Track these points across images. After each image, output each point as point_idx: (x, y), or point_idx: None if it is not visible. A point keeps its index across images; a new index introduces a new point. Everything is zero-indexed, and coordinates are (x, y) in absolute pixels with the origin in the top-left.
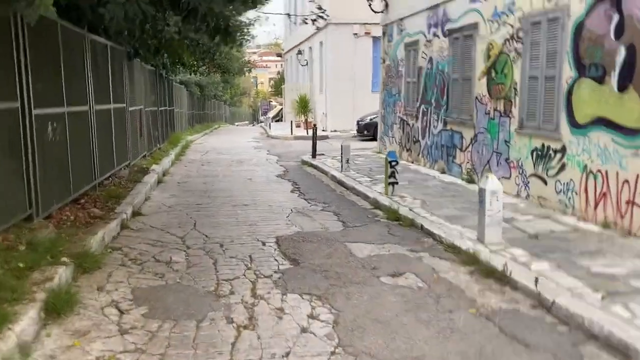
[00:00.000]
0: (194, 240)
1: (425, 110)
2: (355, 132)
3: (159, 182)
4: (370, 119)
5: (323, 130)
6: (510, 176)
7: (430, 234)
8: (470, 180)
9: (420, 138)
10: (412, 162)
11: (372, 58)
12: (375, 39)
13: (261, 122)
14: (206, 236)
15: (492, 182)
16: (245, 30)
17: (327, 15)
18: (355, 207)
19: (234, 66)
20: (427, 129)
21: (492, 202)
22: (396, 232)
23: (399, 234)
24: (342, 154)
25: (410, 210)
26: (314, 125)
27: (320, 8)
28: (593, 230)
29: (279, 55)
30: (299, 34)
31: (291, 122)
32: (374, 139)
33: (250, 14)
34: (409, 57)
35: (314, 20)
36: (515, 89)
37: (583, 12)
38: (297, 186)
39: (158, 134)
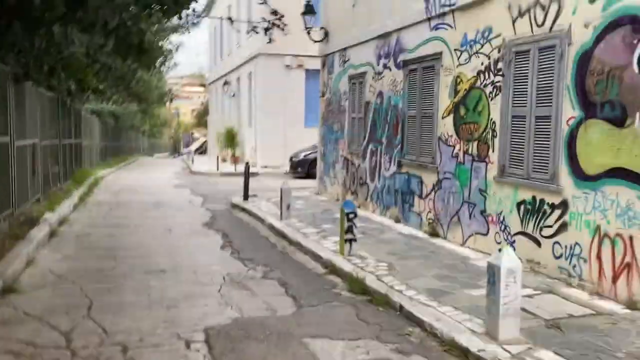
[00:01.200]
0: (84, 340)
1: (374, 149)
2: (288, 168)
3: (53, 234)
4: (305, 155)
5: (252, 166)
6: (487, 232)
7: (415, 321)
8: (434, 233)
9: (368, 180)
10: (359, 207)
11: (304, 91)
12: (309, 72)
13: (182, 154)
14: (104, 331)
15: (508, 258)
16: (166, 53)
17: (284, 25)
18: (305, 273)
19: (152, 95)
20: (377, 171)
21: (509, 285)
22: (368, 316)
23: (373, 320)
24: (281, 198)
25: (378, 279)
26: (247, 163)
27: (275, 13)
28: (619, 313)
29: (202, 85)
30: (226, 64)
31: (217, 156)
32: (308, 176)
33: (173, 38)
34: (354, 91)
35: (267, 30)
36: (493, 130)
37: (590, 39)
38: (228, 240)
39: (59, 172)
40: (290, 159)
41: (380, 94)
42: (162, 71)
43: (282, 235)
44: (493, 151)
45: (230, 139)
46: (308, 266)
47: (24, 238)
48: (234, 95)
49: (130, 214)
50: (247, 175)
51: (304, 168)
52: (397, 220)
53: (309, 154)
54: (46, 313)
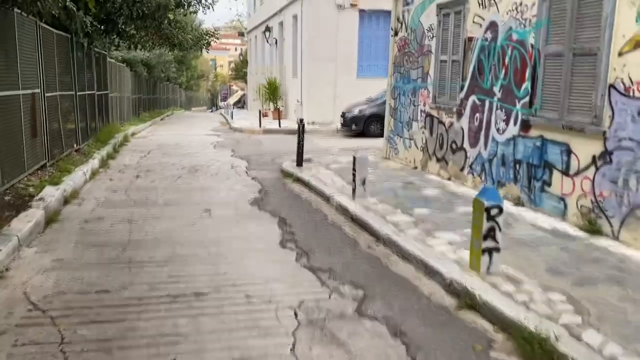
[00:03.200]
0: None
1: (478, 103)
2: (340, 125)
3: (50, 221)
4: (360, 111)
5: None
6: None
7: None
8: (593, 230)
9: (466, 145)
10: (450, 179)
11: (358, 36)
12: (364, 13)
13: (220, 108)
14: None
15: None
16: None
17: None
18: (424, 306)
19: (187, 38)
20: (484, 133)
21: None
22: None
23: None
24: (355, 170)
25: (575, 339)
26: (300, 120)
27: None
28: None
29: (241, 34)
30: (266, 8)
31: (259, 111)
32: (364, 135)
33: None
34: (446, 24)
35: None
36: None
37: None
38: (289, 230)
39: (78, 129)
40: (343, 115)
41: (493, 26)
42: (195, 10)
43: (361, 224)
44: None
45: (273, 91)
46: (422, 289)
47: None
48: (276, 43)
49: (160, 184)
50: (301, 135)
51: (359, 125)
52: (518, 203)
53: (365, 108)
54: None
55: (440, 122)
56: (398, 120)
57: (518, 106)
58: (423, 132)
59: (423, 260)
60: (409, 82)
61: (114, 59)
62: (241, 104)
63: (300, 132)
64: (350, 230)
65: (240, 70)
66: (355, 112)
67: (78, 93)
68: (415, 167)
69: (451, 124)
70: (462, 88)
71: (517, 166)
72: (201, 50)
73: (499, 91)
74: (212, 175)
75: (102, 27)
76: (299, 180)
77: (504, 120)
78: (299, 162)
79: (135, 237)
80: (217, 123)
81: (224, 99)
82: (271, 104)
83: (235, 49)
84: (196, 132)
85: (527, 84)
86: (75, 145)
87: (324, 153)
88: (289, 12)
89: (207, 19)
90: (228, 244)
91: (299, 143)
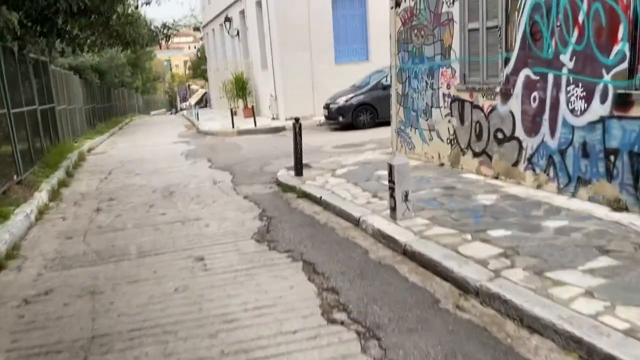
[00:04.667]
0: None
1: (536, 78)
2: (324, 118)
3: None
4: (347, 100)
5: (273, 118)
6: None
7: None
8: None
9: (520, 133)
10: (497, 178)
11: (332, 18)
12: None
13: (182, 109)
14: None
15: None
16: None
17: None
18: None
19: (142, 34)
20: (548, 116)
21: None
22: None
23: None
24: (394, 183)
25: None
26: (296, 120)
27: None
28: None
29: (196, 29)
30: None
31: (230, 110)
32: (352, 126)
33: None
34: None
35: None
36: None
37: None
38: (325, 285)
39: (17, 155)
40: (327, 106)
41: None
42: (148, 0)
43: (426, 263)
44: None
45: (241, 87)
46: None
47: None
48: (238, 34)
49: (129, 219)
50: (298, 138)
51: (346, 116)
52: (618, 207)
53: (352, 97)
54: None
55: (476, 106)
56: (410, 108)
57: (607, 77)
58: (449, 121)
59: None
60: (422, 61)
61: (59, 66)
62: (204, 103)
63: (297, 134)
64: (414, 274)
65: (198, 68)
66: (341, 102)
67: (13, 110)
68: (442, 164)
69: (493, 108)
70: (506, 61)
71: (612, 157)
72: (161, 46)
73: (571, 60)
74: (193, 198)
75: (37, 27)
76: (306, 195)
77: (582, 98)
78: (298, 170)
79: (102, 326)
80: (182, 127)
81: (184, 99)
82: (240, 101)
83: (189, 47)
84: (161, 141)
85: (621, 46)
86: (15, 177)
87: (318, 153)
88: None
89: (157, 17)
90: (246, 329)
91: (296, 147)
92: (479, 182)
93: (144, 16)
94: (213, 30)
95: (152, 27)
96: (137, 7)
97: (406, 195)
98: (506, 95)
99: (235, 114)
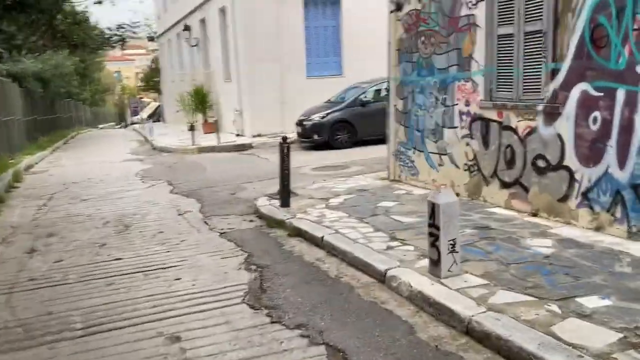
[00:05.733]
0: None
1: (598, 95)
2: (296, 136)
3: None
4: (322, 116)
5: (237, 135)
6: None
7: None
8: None
9: (571, 161)
10: (535, 215)
11: (304, 28)
12: (308, 1)
13: (134, 123)
14: None
15: None
16: None
17: None
18: None
19: (92, 35)
20: (616, 142)
21: None
22: None
23: None
24: (438, 228)
25: None
26: (283, 139)
27: None
28: None
29: (150, 39)
30: (182, 5)
31: (191, 125)
32: (328, 145)
33: None
34: None
35: None
36: None
37: None
38: None
39: None
40: (300, 123)
41: None
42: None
43: (515, 357)
44: None
45: (201, 100)
46: None
47: None
48: (197, 45)
49: (72, 269)
50: (286, 160)
51: (322, 135)
52: None
53: (329, 113)
54: None
55: (506, 127)
56: (413, 128)
57: None
58: (468, 144)
59: None
60: (431, 73)
61: None
62: (156, 116)
63: (285, 155)
64: None
65: (150, 80)
66: (316, 118)
67: None
68: (457, 195)
69: (531, 130)
70: (553, 74)
71: None
72: (115, 48)
73: None
74: (155, 234)
75: None
76: (300, 234)
77: None
78: (285, 200)
79: None
80: (135, 142)
81: (135, 112)
82: (200, 115)
83: (140, 59)
84: (112, 158)
85: None
86: None
87: (298, 177)
88: (213, 5)
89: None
90: None
91: (283, 172)
92: (515, 220)
93: (94, 17)
94: (169, 40)
95: (105, 29)
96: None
97: (453, 245)
98: (552, 115)
99: (193, 129)
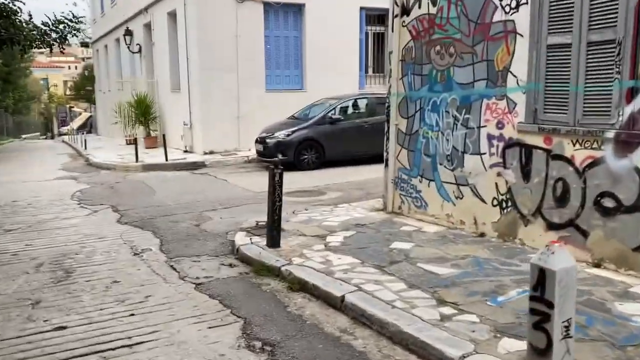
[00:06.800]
0: None
1: None
2: (257, 154)
3: None
4: (288, 134)
5: (186, 151)
6: None
7: None
8: None
9: None
10: (599, 266)
11: (264, 37)
12: (269, 8)
13: (62, 135)
14: None
15: None
16: None
17: None
18: None
19: (23, 30)
20: None
21: None
22: None
23: None
24: (551, 305)
25: None
26: (276, 164)
27: None
28: None
29: (84, 45)
30: (122, 9)
31: (134, 139)
32: (293, 166)
33: None
34: None
35: None
36: None
37: None
38: None
39: None
40: (262, 140)
41: None
42: None
43: None
44: None
45: (143, 111)
46: None
47: None
48: (140, 50)
49: None
50: (277, 191)
51: (287, 154)
52: None
53: (295, 130)
54: None
55: (557, 156)
56: (421, 152)
57: None
58: (499, 174)
59: None
60: (448, 88)
61: None
62: (88, 127)
63: (277, 185)
64: None
65: (81, 89)
66: (281, 136)
67: None
68: (482, 234)
69: (595, 162)
70: (632, 93)
71: None
72: (52, 49)
73: None
74: (108, 285)
75: None
76: (306, 288)
77: None
78: (274, 239)
79: None
80: (66, 156)
81: (63, 123)
82: (141, 127)
83: (69, 67)
84: (41, 174)
85: None
86: None
87: (254, 201)
88: (161, 8)
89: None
90: None
91: (274, 205)
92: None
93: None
94: (106, 46)
95: (41, 25)
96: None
97: (568, 328)
98: (628, 145)
99: (136, 143)
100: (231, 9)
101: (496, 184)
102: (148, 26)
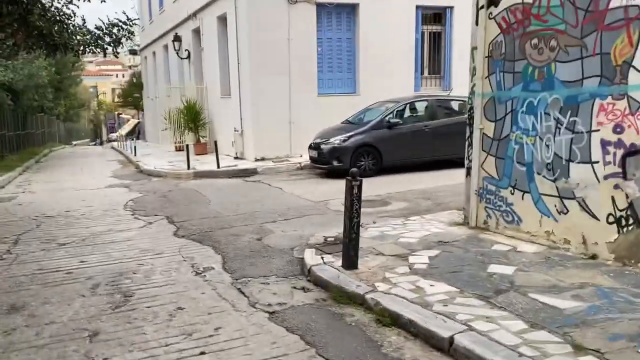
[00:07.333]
0: None
1: None
2: (310, 161)
3: None
4: (343, 140)
5: (237, 157)
6: None
7: None
8: None
9: None
10: None
11: (316, 39)
12: (322, 8)
13: (111, 141)
14: None
15: None
16: None
17: None
18: None
19: (77, 34)
20: None
21: None
22: None
23: None
24: None
25: None
26: (353, 175)
27: None
28: None
29: (133, 52)
30: (170, 15)
31: (186, 146)
32: (347, 174)
33: None
34: None
35: None
36: None
37: None
38: None
39: None
40: (316, 146)
41: None
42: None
43: None
44: None
45: (193, 117)
46: None
47: None
48: (189, 56)
49: None
50: (355, 205)
51: (344, 161)
52: None
53: (351, 135)
54: None
55: None
56: (512, 159)
57: None
58: (618, 187)
59: None
60: (549, 87)
61: None
62: (136, 134)
63: (355, 199)
64: None
65: (129, 96)
66: (336, 141)
67: None
68: (594, 256)
69: None
70: None
71: None
72: (105, 53)
73: None
74: (172, 314)
75: None
76: (398, 322)
77: None
78: (351, 260)
79: None
80: (116, 163)
81: (112, 129)
82: (191, 134)
83: (117, 75)
84: (92, 182)
85: None
86: None
87: (333, 215)
88: (211, 13)
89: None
90: None
91: (351, 222)
92: None
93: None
94: (154, 53)
95: (94, 28)
96: (70, 1)
97: None
98: None
99: (180, 149)
100: (283, 10)
101: (613, 197)
102: (197, 31)
